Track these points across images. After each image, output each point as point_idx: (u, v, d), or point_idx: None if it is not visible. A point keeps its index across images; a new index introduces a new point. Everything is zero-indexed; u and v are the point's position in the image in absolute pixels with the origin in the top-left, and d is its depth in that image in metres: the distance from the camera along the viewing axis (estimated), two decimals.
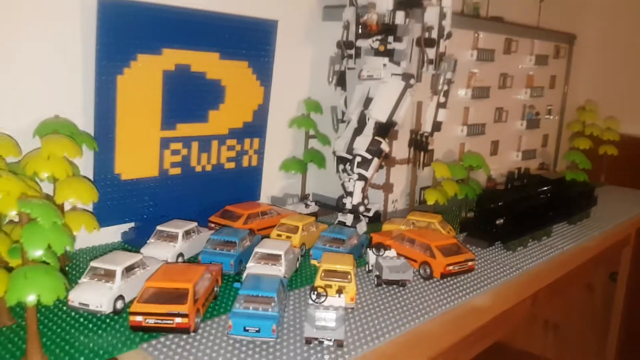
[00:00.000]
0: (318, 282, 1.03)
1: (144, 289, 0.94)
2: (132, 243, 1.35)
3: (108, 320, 0.98)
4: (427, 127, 1.59)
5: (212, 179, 1.51)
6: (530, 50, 2.12)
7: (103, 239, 1.35)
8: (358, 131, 1.53)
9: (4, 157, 1.03)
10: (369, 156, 1.47)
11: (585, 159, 2.14)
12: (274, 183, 1.77)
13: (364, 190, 1.49)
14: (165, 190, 1.41)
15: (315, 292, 0.96)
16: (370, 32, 1.49)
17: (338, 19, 1.63)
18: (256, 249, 1.16)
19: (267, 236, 1.36)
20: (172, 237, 1.24)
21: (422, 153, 1.65)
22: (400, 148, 1.64)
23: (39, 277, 0.78)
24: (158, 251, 1.20)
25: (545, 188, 1.63)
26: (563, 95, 2.40)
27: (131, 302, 1.01)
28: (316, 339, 0.91)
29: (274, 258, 1.14)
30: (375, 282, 1.17)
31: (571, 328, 2.42)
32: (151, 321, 0.90)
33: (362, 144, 1.48)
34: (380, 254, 1.20)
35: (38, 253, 0.78)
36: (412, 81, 1.50)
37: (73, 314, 1.00)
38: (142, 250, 1.21)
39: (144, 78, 1.28)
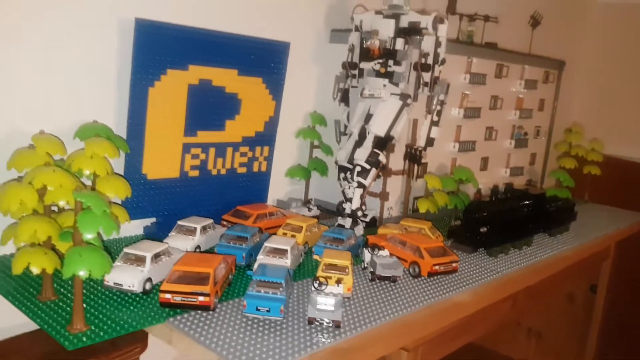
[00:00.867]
0: (320, 273, 1.19)
1: (172, 272, 1.10)
2: (153, 236, 1.50)
3: (138, 299, 1.13)
4: (421, 142, 1.75)
5: (225, 181, 1.67)
6: (521, 75, 2.29)
7: (127, 232, 1.50)
8: (359, 143, 1.68)
9: (52, 155, 1.19)
10: (367, 166, 1.63)
11: (569, 177, 2.30)
12: (280, 188, 1.92)
13: (362, 197, 1.65)
14: (185, 190, 1.57)
15: (318, 281, 1.12)
16: (372, 56, 1.65)
17: (343, 42, 1.79)
18: (265, 244, 1.32)
19: (274, 234, 1.52)
20: (191, 231, 1.40)
21: (415, 165, 1.81)
22: (396, 160, 1.80)
23: (91, 255, 0.93)
24: (179, 242, 1.36)
25: (527, 202, 1.79)
26: (551, 117, 2.56)
27: (158, 284, 1.17)
28: (317, 319, 1.07)
29: (281, 252, 1.30)
30: (370, 277, 1.33)
31: (553, 336, 2.57)
32: (178, 299, 1.05)
33: (362, 155, 1.64)
34: (375, 253, 1.36)
35: (90, 236, 0.93)
36: (409, 101, 1.66)
37: (107, 292, 1.15)
38: (165, 241, 1.36)
39: (172, 90, 1.44)
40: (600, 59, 3.48)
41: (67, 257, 0.93)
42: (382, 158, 1.64)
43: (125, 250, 1.17)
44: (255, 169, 1.75)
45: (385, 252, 1.36)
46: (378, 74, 1.67)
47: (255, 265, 1.24)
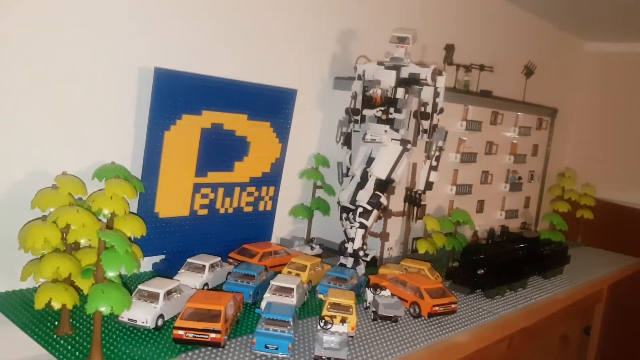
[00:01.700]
0: (325, 312, 1.24)
1: (185, 309, 1.15)
2: (162, 273, 1.55)
3: (150, 335, 1.18)
4: (420, 185, 1.83)
5: (232, 220, 1.73)
6: (515, 122, 2.40)
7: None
8: (361, 185, 1.76)
9: (74, 195, 1.25)
10: (369, 208, 1.70)
11: (562, 220, 2.38)
12: (283, 226, 1.99)
13: (364, 237, 1.71)
14: (194, 228, 1.63)
15: (323, 320, 1.17)
16: (374, 104, 1.74)
17: (345, 89, 1.90)
18: (272, 282, 1.37)
19: (279, 272, 1.58)
20: (200, 269, 1.45)
21: (415, 208, 1.88)
22: (396, 202, 1.87)
23: (113, 292, 0.99)
24: (188, 279, 1.41)
25: (523, 245, 1.86)
26: (544, 162, 2.66)
27: (169, 320, 1.22)
28: (323, 358, 1.12)
29: (287, 291, 1.35)
30: (372, 317, 1.38)
31: None
32: (190, 335, 1.10)
33: (364, 197, 1.71)
34: (377, 293, 1.41)
35: (113, 274, 0.99)
36: (409, 146, 1.75)
37: (121, 327, 1.20)
38: (174, 278, 1.42)
39: (186, 134, 1.52)
40: (591, 106, 3.63)
41: (91, 293, 0.98)
42: (383, 200, 1.72)
43: (140, 287, 1.23)
44: (261, 208, 1.81)
45: (387, 292, 1.42)
46: (379, 120, 1.76)
47: (263, 303, 1.29)
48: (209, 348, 1.13)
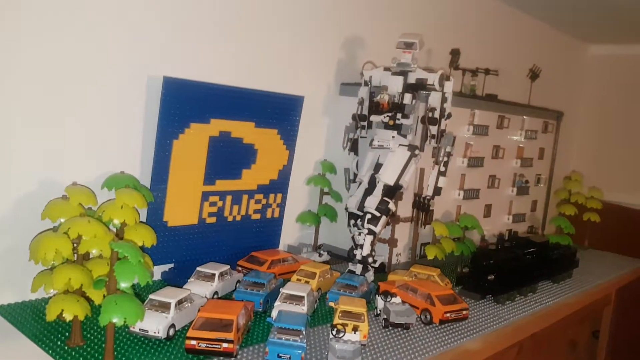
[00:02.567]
0: (337, 320, 1.23)
1: (197, 318, 1.15)
2: (171, 281, 1.55)
3: (162, 345, 1.17)
4: (429, 191, 1.82)
5: (240, 227, 1.73)
6: (521, 126, 2.40)
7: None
8: (369, 192, 1.75)
9: (84, 205, 1.25)
10: (377, 214, 1.69)
11: (569, 224, 2.37)
12: (290, 233, 1.98)
13: (372, 243, 1.71)
14: (202, 237, 1.63)
15: (336, 329, 1.17)
16: (382, 110, 1.74)
17: (352, 94, 1.89)
18: (282, 290, 1.37)
19: (288, 280, 1.57)
20: (210, 277, 1.45)
21: (423, 213, 1.88)
22: (404, 208, 1.87)
23: (126, 303, 0.98)
24: (198, 288, 1.40)
25: (531, 249, 1.85)
26: (551, 165, 2.66)
27: (180, 329, 1.22)
28: None
29: (297, 299, 1.35)
30: (383, 324, 1.37)
31: None
32: (203, 345, 1.10)
33: (372, 203, 1.71)
34: (388, 300, 1.41)
35: (126, 285, 0.99)
36: (416, 151, 1.74)
37: (133, 337, 1.20)
38: (184, 287, 1.41)
39: (194, 142, 1.52)
40: (597, 109, 3.62)
41: (104, 304, 0.98)
42: (391, 206, 1.71)
43: (151, 296, 1.22)
44: (269, 215, 1.81)
45: (398, 299, 1.41)
46: (387, 126, 1.76)
47: (274, 312, 1.29)
48: (222, 358, 1.12)
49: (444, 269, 1.85)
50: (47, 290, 1.20)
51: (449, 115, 1.75)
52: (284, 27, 1.85)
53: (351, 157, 1.90)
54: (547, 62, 2.88)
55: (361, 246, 1.70)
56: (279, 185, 1.81)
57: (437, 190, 1.81)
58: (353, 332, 1.19)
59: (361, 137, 1.87)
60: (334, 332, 1.16)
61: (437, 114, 1.74)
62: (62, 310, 1.10)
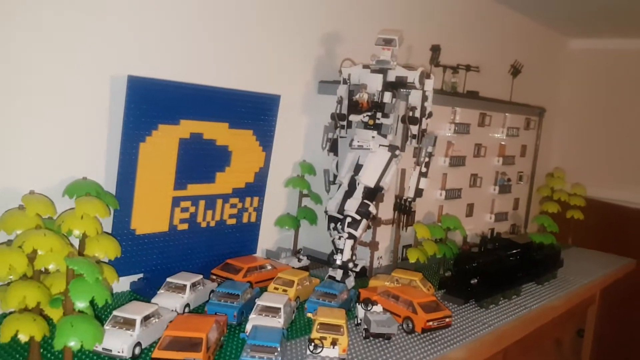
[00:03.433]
0: (314, 334, 1.17)
1: (163, 337, 1.07)
2: (140, 292, 1.48)
3: None
4: (410, 193, 1.77)
5: (215, 233, 1.65)
6: (503, 123, 2.35)
7: (113, 288, 1.47)
8: (349, 194, 1.69)
9: (42, 216, 1.17)
10: (358, 217, 1.63)
11: (553, 222, 2.33)
12: (268, 237, 1.91)
13: (353, 248, 1.64)
14: (173, 244, 1.55)
15: (313, 344, 1.10)
16: (361, 109, 1.68)
17: (331, 93, 1.83)
18: (257, 302, 1.30)
19: (265, 288, 1.50)
20: (180, 289, 1.37)
21: (405, 215, 1.82)
22: (385, 210, 1.81)
23: (83, 325, 0.91)
24: (168, 301, 1.33)
25: (515, 251, 1.81)
26: (533, 162, 2.62)
27: (147, 347, 1.14)
28: None
29: (274, 310, 1.28)
30: (364, 335, 1.31)
31: None
32: None
33: (352, 206, 1.64)
34: (368, 308, 1.35)
35: (83, 305, 0.91)
36: (397, 152, 1.68)
37: (96, 357, 1.11)
38: (153, 299, 1.33)
39: (163, 145, 1.44)
40: (578, 104, 3.61)
41: (59, 327, 0.90)
42: (372, 209, 1.65)
43: (114, 313, 1.14)
44: (245, 219, 1.74)
45: (379, 308, 1.35)
46: (366, 126, 1.69)
47: (248, 327, 1.21)
48: None
49: (425, 271, 1.80)
50: (3, 308, 1.11)
51: (430, 115, 1.70)
52: (258, 22, 1.76)
53: (331, 157, 1.84)
54: (527, 57, 2.84)
55: (341, 251, 1.64)
56: (256, 188, 1.74)
57: (419, 192, 1.75)
58: (332, 346, 1.13)
59: (340, 137, 1.81)
60: (312, 348, 1.10)
61: (417, 113, 1.68)
62: (17, 331, 1.02)
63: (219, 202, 1.64)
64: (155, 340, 1.16)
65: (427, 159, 1.72)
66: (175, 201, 1.52)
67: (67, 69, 1.34)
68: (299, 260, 1.80)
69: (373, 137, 1.68)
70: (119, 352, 1.08)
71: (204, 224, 1.62)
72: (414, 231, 1.85)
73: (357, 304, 1.39)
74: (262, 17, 1.77)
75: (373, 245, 1.80)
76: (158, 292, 1.37)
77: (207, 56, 1.64)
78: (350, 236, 1.63)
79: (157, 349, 1.04)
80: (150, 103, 1.39)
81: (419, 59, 2.21)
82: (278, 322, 1.24)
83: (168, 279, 1.39)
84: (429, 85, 1.67)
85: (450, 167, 2.07)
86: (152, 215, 1.48)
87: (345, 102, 1.75)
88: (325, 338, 1.15)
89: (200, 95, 1.50)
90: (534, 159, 2.63)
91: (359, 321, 1.37)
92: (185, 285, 1.37)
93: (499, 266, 1.68)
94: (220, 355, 1.17)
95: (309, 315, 1.36)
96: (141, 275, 1.51)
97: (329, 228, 1.73)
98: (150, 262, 1.50)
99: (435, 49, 2.11)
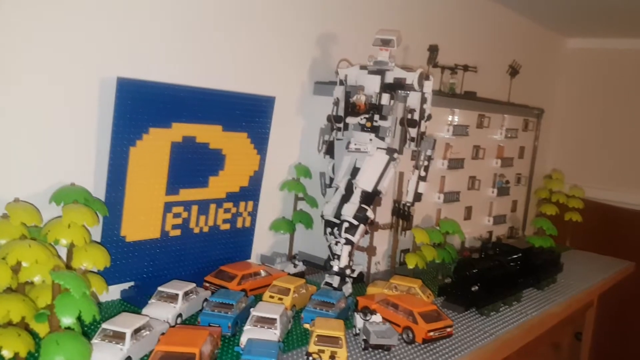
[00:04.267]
0: (312, 347, 1.13)
1: (154, 353, 1.02)
2: (131, 301, 1.43)
3: None
4: (408, 197, 1.72)
5: (208, 239, 1.60)
6: (501, 124, 2.32)
7: (102, 297, 1.42)
8: (346, 198, 1.65)
9: (27, 225, 1.11)
10: (355, 222, 1.59)
11: (552, 225, 2.30)
12: (263, 242, 1.86)
13: (350, 254, 1.60)
14: (165, 251, 1.50)
15: (311, 358, 1.06)
16: (358, 111, 1.63)
17: (326, 94, 1.78)
18: (252, 312, 1.25)
19: (260, 295, 1.46)
20: (173, 298, 1.33)
21: (403, 220, 1.78)
22: (383, 214, 1.77)
23: (69, 343, 0.86)
24: (159, 311, 1.28)
25: (515, 256, 1.77)
26: (531, 164, 2.59)
27: None
28: None
29: (269, 321, 1.23)
30: (363, 346, 1.27)
31: None
32: None
33: (349, 211, 1.60)
34: (367, 318, 1.30)
35: (69, 321, 0.86)
36: (395, 155, 1.65)
37: None
38: (144, 310, 1.29)
39: (154, 149, 1.39)
40: (575, 104, 3.58)
41: (44, 346, 0.85)
42: (370, 214, 1.61)
43: (104, 325, 1.09)
44: (239, 224, 1.69)
45: (378, 317, 1.31)
46: (364, 129, 1.65)
47: (243, 339, 1.17)
48: None
49: (423, 277, 1.76)
50: None
51: (429, 117, 1.66)
52: (252, 23, 1.72)
53: (327, 160, 1.79)
54: (525, 57, 2.81)
55: (338, 257, 1.60)
56: (250, 192, 1.69)
57: (418, 196, 1.71)
58: (330, 359, 1.08)
59: (337, 139, 1.76)
60: None
61: (416, 116, 1.63)
62: (1, 347, 0.97)
63: (213, 207, 1.59)
64: (146, 353, 1.11)
65: (426, 163, 1.67)
66: (167, 207, 1.47)
67: (54, 71, 1.28)
68: (295, 265, 1.76)
69: (371, 139, 1.64)
70: None
71: (196, 230, 1.57)
72: (412, 236, 1.81)
73: (355, 313, 1.35)
74: (256, 17, 1.72)
75: (370, 250, 1.76)
76: (149, 301, 1.32)
77: (200, 57, 1.59)
78: (348, 242, 1.59)
79: None
80: (141, 106, 1.34)
81: (416, 59, 2.16)
82: (274, 333, 1.20)
83: (159, 288, 1.34)
84: (428, 86, 1.63)
85: (449, 169, 2.03)
86: (143, 221, 1.43)
87: (342, 104, 1.71)
88: (323, 351, 1.12)
89: (192, 97, 1.45)
90: (532, 160, 2.60)
91: (358, 331, 1.33)
92: (177, 295, 1.33)
93: (500, 272, 1.65)
94: None
95: (306, 326, 1.32)
96: (132, 283, 1.46)
97: (325, 233, 1.69)
98: (141, 269, 1.45)
99: (433, 50, 2.06)
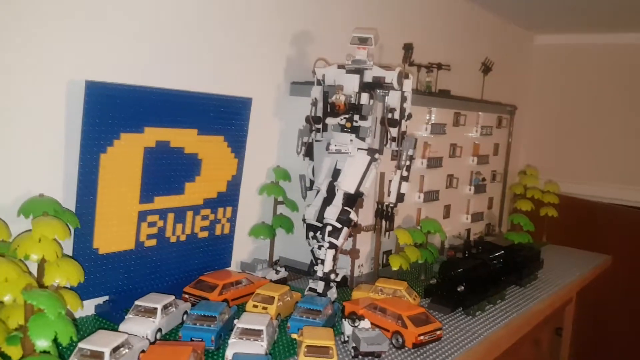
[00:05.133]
0: (302, 358, 1.08)
1: None
2: (106, 316, 1.35)
3: None
4: (391, 198, 1.69)
5: (186, 248, 1.54)
6: (476, 121, 2.32)
7: (76, 313, 1.34)
8: (328, 201, 1.60)
9: None
10: (339, 226, 1.55)
11: (528, 221, 2.31)
12: (243, 248, 1.80)
13: (334, 258, 1.56)
14: (141, 263, 1.42)
15: None
16: (338, 112, 1.59)
17: (303, 94, 1.74)
18: (237, 324, 1.20)
19: (243, 305, 1.40)
20: (151, 312, 1.26)
21: (386, 221, 1.75)
22: (365, 216, 1.73)
23: None
24: (137, 327, 1.21)
25: (497, 254, 1.76)
26: (505, 161, 2.60)
27: None
28: None
29: (255, 333, 1.18)
30: (352, 354, 1.23)
31: None
32: None
33: (332, 214, 1.56)
34: (356, 325, 1.26)
35: (44, 344, 0.79)
36: (377, 155, 1.61)
37: None
38: (121, 325, 1.22)
39: (126, 155, 1.32)
40: (546, 100, 3.62)
41: None
42: (353, 216, 1.58)
43: (80, 345, 1.02)
44: (218, 231, 1.63)
45: (367, 323, 1.27)
46: (344, 129, 1.62)
47: (228, 353, 1.11)
48: None
49: (407, 278, 1.73)
50: None
51: (410, 116, 1.63)
52: (225, 22, 1.66)
53: (306, 162, 1.75)
54: (497, 54, 2.82)
55: (322, 261, 1.56)
56: (229, 197, 1.63)
57: (400, 197, 1.68)
58: None
59: (316, 140, 1.72)
60: None
61: (397, 115, 1.61)
62: None
63: (190, 214, 1.53)
64: None
65: (408, 163, 1.65)
66: (142, 215, 1.40)
67: (19, 75, 1.20)
68: (277, 272, 1.71)
69: (351, 140, 1.61)
70: None
71: (173, 239, 1.50)
72: (395, 237, 1.78)
73: (343, 319, 1.31)
74: (230, 17, 1.67)
75: (354, 253, 1.72)
76: (126, 316, 1.25)
77: (173, 58, 1.52)
78: (332, 246, 1.55)
79: None
80: (111, 110, 1.27)
81: (390, 58, 2.14)
82: (261, 346, 1.15)
83: (137, 302, 1.27)
84: (408, 85, 1.60)
85: (428, 168, 2.01)
86: (116, 232, 1.35)
87: (320, 104, 1.67)
88: None
89: (165, 100, 1.39)
90: (507, 157, 2.61)
91: (346, 338, 1.29)
92: (156, 308, 1.26)
93: (485, 271, 1.63)
94: None
95: (293, 335, 1.27)
96: (107, 297, 1.38)
97: (307, 237, 1.65)
98: (116, 283, 1.38)
99: (408, 48, 2.04)
